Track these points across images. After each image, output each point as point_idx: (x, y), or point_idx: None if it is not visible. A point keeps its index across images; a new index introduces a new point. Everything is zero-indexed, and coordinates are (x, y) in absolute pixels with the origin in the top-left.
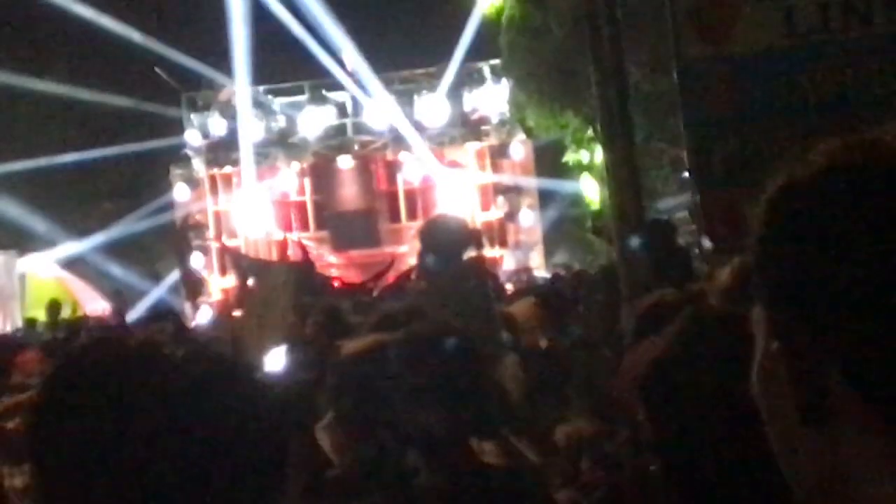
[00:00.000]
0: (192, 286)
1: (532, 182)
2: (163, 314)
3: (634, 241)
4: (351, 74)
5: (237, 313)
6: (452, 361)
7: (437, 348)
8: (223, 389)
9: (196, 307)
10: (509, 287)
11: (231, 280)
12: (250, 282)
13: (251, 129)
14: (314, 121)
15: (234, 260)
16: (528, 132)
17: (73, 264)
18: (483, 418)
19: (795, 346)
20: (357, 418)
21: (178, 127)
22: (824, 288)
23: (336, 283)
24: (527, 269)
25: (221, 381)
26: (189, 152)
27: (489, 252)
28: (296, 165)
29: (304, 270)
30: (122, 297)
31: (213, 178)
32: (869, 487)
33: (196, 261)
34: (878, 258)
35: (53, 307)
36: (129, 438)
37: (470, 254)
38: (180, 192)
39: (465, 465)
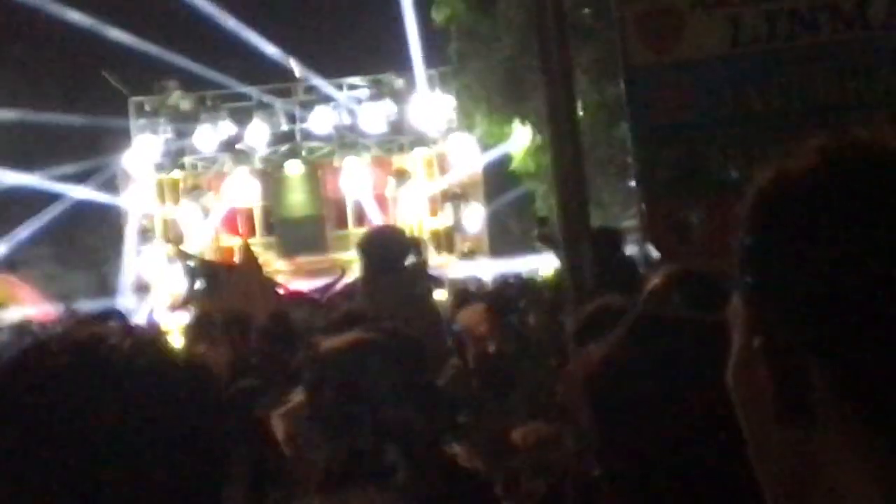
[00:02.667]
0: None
1: (479, 189)
2: (107, 314)
3: (580, 249)
4: (299, 80)
5: (185, 315)
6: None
7: (415, 347)
8: (171, 379)
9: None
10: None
11: (179, 283)
12: (197, 285)
13: (201, 136)
14: (262, 127)
15: (184, 261)
16: (476, 140)
17: (13, 265)
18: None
19: (777, 342)
20: (335, 414)
21: (125, 132)
22: (811, 284)
23: (282, 291)
24: (473, 276)
25: (169, 371)
26: (137, 157)
27: (436, 259)
28: (244, 171)
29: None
30: (69, 302)
31: (160, 184)
32: (845, 489)
33: (143, 264)
34: (869, 256)
35: None
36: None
37: (411, 261)
38: (127, 196)
39: (442, 465)
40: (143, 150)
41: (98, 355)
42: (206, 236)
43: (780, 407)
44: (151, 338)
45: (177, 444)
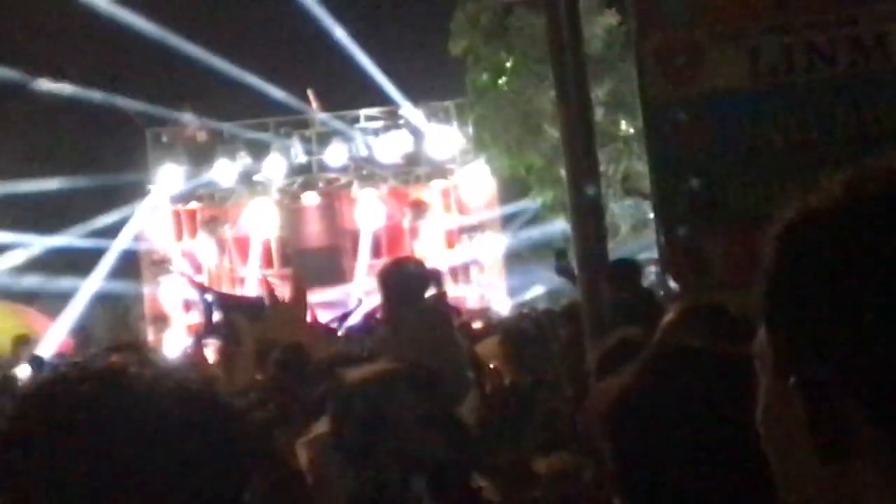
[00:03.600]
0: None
1: (496, 221)
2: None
3: (598, 281)
4: (315, 112)
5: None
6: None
7: (441, 379)
8: (191, 408)
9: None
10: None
11: (196, 316)
12: (215, 317)
13: (218, 168)
14: (279, 159)
15: (199, 296)
16: (493, 171)
17: (31, 297)
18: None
19: (812, 379)
20: (361, 444)
21: (142, 163)
22: (841, 320)
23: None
24: (490, 308)
25: (190, 401)
26: (154, 188)
27: (454, 290)
28: (261, 203)
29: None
30: (85, 333)
31: (177, 215)
32: None
33: (161, 296)
34: None
35: (20, 342)
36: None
37: (431, 293)
38: (145, 227)
39: (468, 499)
40: (163, 181)
41: (119, 385)
42: (223, 268)
43: (819, 443)
44: (171, 368)
45: (196, 472)
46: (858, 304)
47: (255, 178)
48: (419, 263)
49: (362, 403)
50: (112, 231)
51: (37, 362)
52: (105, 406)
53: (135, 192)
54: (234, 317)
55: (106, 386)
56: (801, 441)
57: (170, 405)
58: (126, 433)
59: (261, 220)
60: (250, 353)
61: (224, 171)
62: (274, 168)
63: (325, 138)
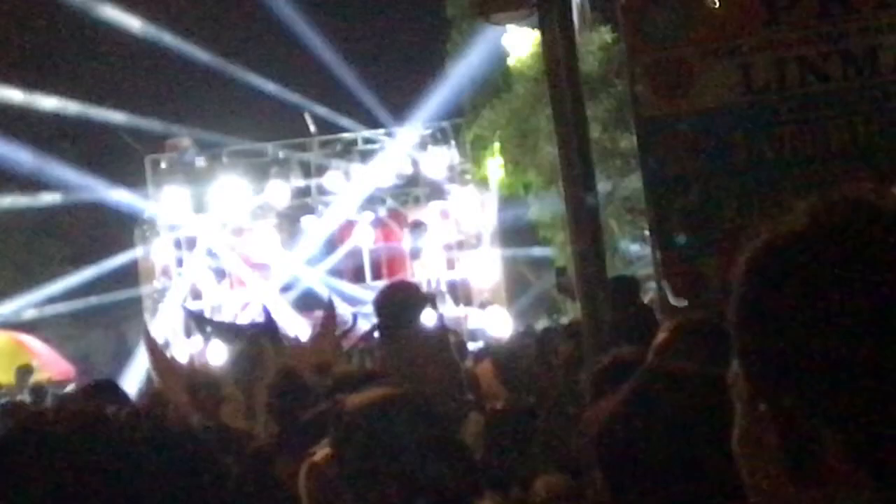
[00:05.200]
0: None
1: (496, 240)
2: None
3: (597, 299)
4: (314, 135)
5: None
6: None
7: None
8: (168, 449)
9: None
10: (474, 345)
11: (196, 343)
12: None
13: (218, 192)
14: (279, 183)
15: (198, 323)
16: (491, 190)
17: (32, 325)
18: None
19: (784, 408)
20: (362, 470)
21: (141, 188)
22: (812, 349)
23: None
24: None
25: (166, 442)
26: (153, 213)
27: (454, 311)
28: (261, 226)
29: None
30: (86, 360)
31: (177, 240)
32: None
33: (161, 322)
34: (866, 317)
35: (22, 371)
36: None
37: (428, 315)
38: (144, 253)
39: None
40: (164, 206)
41: (95, 427)
42: (223, 293)
43: (793, 469)
44: (148, 410)
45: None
46: (825, 333)
47: (255, 202)
48: (413, 287)
49: (363, 429)
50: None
51: (37, 391)
52: (78, 450)
53: (134, 218)
54: (262, 341)
55: (81, 429)
56: (775, 465)
57: (145, 449)
58: (100, 476)
59: (261, 245)
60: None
61: (224, 195)
62: (274, 192)
63: (324, 160)
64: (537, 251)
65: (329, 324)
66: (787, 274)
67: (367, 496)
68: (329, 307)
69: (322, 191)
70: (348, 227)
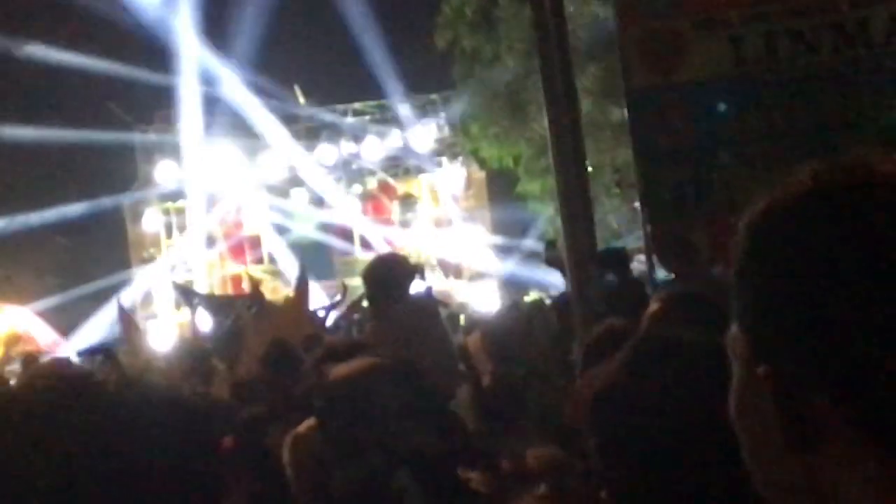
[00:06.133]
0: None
1: (486, 213)
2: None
3: (587, 271)
4: (303, 107)
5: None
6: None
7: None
8: (156, 415)
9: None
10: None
11: (185, 315)
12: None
13: (207, 165)
14: (269, 156)
15: (185, 296)
16: (482, 163)
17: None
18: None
19: (781, 371)
20: (347, 439)
21: (130, 161)
22: (811, 311)
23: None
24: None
25: (155, 407)
26: (142, 188)
27: (444, 283)
28: (250, 199)
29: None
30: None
31: (167, 212)
32: None
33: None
34: (866, 280)
35: (10, 342)
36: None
37: (417, 287)
38: (134, 226)
39: (454, 489)
40: (153, 178)
41: (85, 393)
42: (212, 265)
43: (790, 434)
44: (138, 375)
45: (165, 477)
46: (826, 297)
47: (244, 175)
48: (401, 259)
49: (347, 399)
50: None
51: (28, 361)
52: (69, 415)
53: (124, 189)
54: (239, 312)
55: (70, 395)
56: (771, 431)
57: (134, 414)
58: (90, 442)
59: (251, 217)
60: (254, 350)
61: (215, 168)
62: (264, 165)
63: (313, 134)
64: (527, 223)
65: (302, 298)
66: (790, 234)
67: (351, 465)
68: (301, 279)
69: (312, 163)
70: (338, 199)
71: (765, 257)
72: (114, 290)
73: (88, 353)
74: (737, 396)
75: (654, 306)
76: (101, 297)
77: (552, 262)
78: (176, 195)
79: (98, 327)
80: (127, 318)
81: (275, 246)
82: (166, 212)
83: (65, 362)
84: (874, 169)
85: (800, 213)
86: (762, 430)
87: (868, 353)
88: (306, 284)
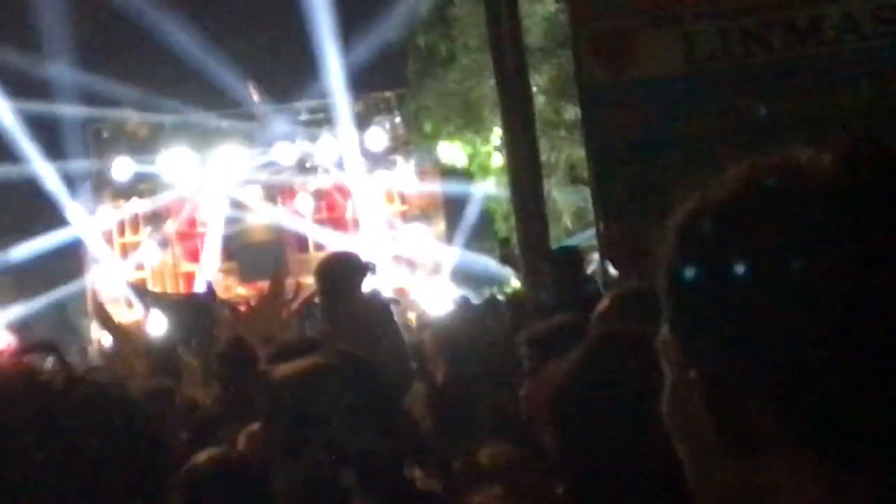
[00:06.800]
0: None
1: (439, 211)
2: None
3: (540, 269)
4: (257, 105)
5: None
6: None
7: (372, 371)
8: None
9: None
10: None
11: (138, 313)
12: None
13: (160, 162)
14: (222, 153)
15: (139, 294)
16: (436, 161)
17: None
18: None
19: (712, 373)
20: (290, 440)
21: (83, 157)
22: (743, 314)
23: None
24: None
25: (102, 407)
26: (95, 182)
27: (398, 281)
28: (203, 197)
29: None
30: (27, 330)
31: (119, 209)
32: None
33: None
34: (799, 282)
35: None
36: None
37: (369, 284)
38: (87, 223)
39: (401, 490)
40: (106, 175)
41: (30, 391)
42: (165, 263)
43: (724, 438)
44: (84, 373)
45: (109, 477)
46: (756, 298)
47: (199, 172)
48: (354, 257)
49: (291, 399)
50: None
51: None
52: (13, 413)
53: (76, 187)
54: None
55: (16, 393)
56: (705, 434)
57: (80, 413)
58: (35, 441)
59: (204, 215)
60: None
61: (167, 165)
62: (217, 162)
63: (268, 132)
64: (481, 221)
65: (278, 289)
66: (720, 237)
67: (295, 466)
68: (277, 271)
69: (266, 161)
70: (292, 197)
71: (694, 259)
72: (65, 287)
73: (36, 349)
74: (669, 399)
75: (603, 303)
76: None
77: (506, 259)
78: (130, 191)
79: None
80: (105, 314)
81: (229, 244)
82: (119, 210)
83: (11, 361)
84: (804, 167)
85: (729, 214)
86: (696, 434)
87: (802, 356)
88: (281, 284)
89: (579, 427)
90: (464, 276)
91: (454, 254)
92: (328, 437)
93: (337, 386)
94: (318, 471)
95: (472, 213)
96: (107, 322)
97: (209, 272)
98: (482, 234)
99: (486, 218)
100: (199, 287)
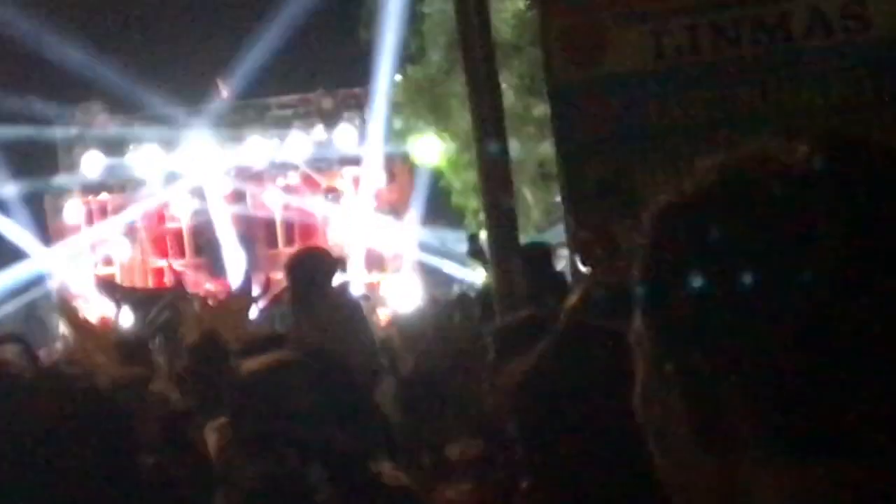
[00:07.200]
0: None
1: (410, 206)
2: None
3: (510, 265)
4: (226, 101)
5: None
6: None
7: (340, 366)
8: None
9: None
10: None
11: (107, 309)
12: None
13: (129, 158)
14: (191, 149)
15: (108, 290)
16: (405, 157)
17: None
18: (381, 439)
19: (691, 369)
20: (257, 436)
21: (52, 152)
22: (720, 308)
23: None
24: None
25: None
26: (64, 180)
27: (368, 277)
28: (172, 192)
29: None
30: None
31: (88, 205)
32: None
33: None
34: (776, 275)
35: None
36: None
37: (340, 280)
38: (55, 219)
39: (367, 484)
40: (75, 170)
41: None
42: (134, 259)
43: (699, 433)
44: (53, 365)
45: (78, 465)
46: (732, 292)
47: (166, 168)
48: (324, 252)
49: (256, 395)
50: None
51: None
52: None
53: (44, 183)
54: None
55: None
56: (679, 428)
57: (49, 404)
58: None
59: (174, 210)
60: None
61: (136, 161)
62: (186, 158)
63: (237, 126)
64: (451, 217)
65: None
66: (696, 229)
67: (262, 462)
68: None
69: (235, 156)
70: (261, 192)
71: (671, 251)
72: (33, 283)
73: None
74: (641, 393)
75: (573, 297)
76: (19, 290)
77: (475, 255)
78: (99, 186)
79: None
80: (71, 310)
81: (197, 239)
82: (87, 205)
83: None
84: (778, 158)
85: (703, 206)
86: (669, 428)
87: (777, 351)
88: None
89: (541, 420)
90: (433, 271)
91: (424, 249)
92: (294, 432)
93: (303, 381)
94: (285, 465)
95: (441, 209)
96: (72, 319)
97: (178, 267)
98: (453, 229)
99: (457, 214)
100: (168, 282)
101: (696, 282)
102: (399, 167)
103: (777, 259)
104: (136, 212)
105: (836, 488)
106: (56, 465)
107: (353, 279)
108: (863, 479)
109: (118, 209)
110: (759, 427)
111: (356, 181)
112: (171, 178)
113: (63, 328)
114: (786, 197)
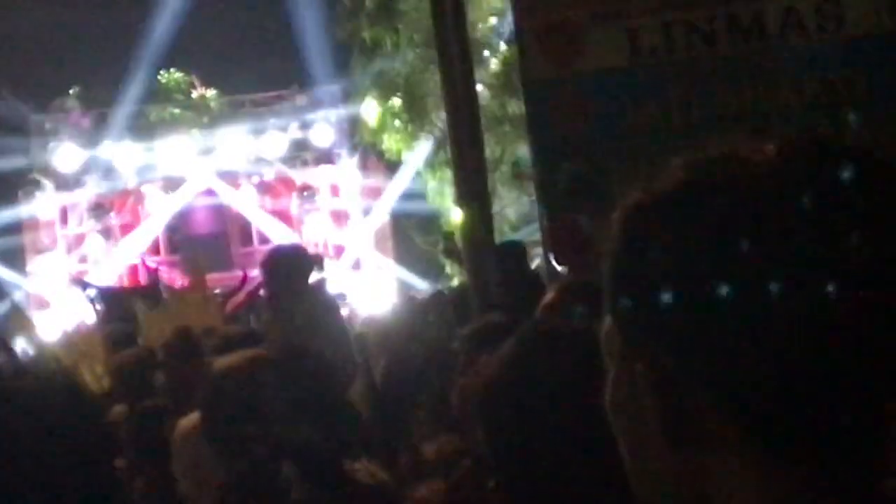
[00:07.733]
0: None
1: (385, 205)
2: None
3: (484, 263)
4: (201, 96)
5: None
6: (326, 378)
7: (315, 364)
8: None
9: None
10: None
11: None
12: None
13: (104, 154)
14: (166, 145)
15: (82, 287)
16: (381, 155)
17: None
18: (353, 437)
19: (659, 367)
20: (231, 433)
21: (25, 149)
22: (688, 308)
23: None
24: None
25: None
26: (37, 176)
27: (343, 275)
28: (147, 189)
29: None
30: None
31: (62, 201)
32: None
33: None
34: (744, 276)
35: None
36: None
37: (315, 277)
38: (29, 215)
39: (339, 481)
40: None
41: None
42: (109, 256)
43: (670, 432)
44: (33, 364)
45: (59, 461)
46: (700, 293)
47: (141, 164)
48: (301, 250)
49: (229, 393)
50: None
51: None
52: None
53: (18, 179)
54: (131, 304)
55: None
56: (650, 427)
57: (29, 403)
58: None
59: (148, 207)
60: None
61: (110, 157)
62: (161, 154)
63: (212, 122)
64: (426, 215)
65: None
66: (665, 229)
67: (234, 460)
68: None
69: (210, 153)
70: (236, 190)
71: (640, 251)
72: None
73: None
74: (612, 392)
75: (549, 296)
76: None
77: (450, 253)
78: (73, 183)
79: None
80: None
81: (172, 236)
82: (62, 201)
83: None
84: (747, 159)
85: (672, 205)
86: (639, 427)
87: (747, 350)
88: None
89: (507, 421)
90: (409, 269)
91: (398, 247)
92: (267, 430)
93: (276, 379)
94: (258, 462)
95: (417, 207)
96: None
97: (152, 263)
98: (427, 229)
99: (431, 212)
100: (142, 278)
101: (664, 282)
102: (374, 165)
103: (744, 259)
104: (110, 208)
105: (803, 483)
106: (36, 458)
107: (329, 277)
108: (828, 480)
109: (93, 205)
110: (729, 427)
111: (331, 178)
112: (145, 173)
113: (22, 343)
114: (752, 197)
